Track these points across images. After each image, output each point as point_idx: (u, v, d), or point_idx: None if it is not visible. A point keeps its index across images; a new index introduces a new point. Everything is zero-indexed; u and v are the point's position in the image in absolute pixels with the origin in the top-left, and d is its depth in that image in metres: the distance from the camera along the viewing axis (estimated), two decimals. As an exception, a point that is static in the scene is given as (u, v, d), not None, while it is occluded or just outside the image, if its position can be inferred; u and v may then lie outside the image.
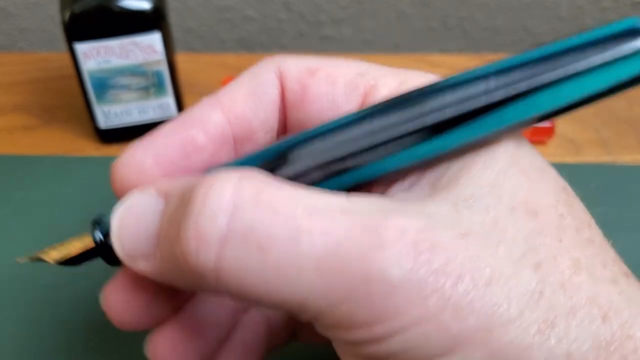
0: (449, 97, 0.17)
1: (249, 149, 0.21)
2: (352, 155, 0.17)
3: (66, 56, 0.38)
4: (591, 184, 0.39)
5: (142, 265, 0.18)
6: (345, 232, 0.15)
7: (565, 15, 0.56)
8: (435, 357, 0.15)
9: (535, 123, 0.17)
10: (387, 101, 0.17)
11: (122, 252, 0.18)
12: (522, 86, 0.16)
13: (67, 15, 0.35)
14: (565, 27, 0.57)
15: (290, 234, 0.15)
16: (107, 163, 0.40)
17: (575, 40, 0.16)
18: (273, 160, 0.18)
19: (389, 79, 0.20)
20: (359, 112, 0.18)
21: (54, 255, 0.20)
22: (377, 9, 0.56)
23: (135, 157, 0.20)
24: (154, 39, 0.37)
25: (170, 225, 0.17)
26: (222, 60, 0.49)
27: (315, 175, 0.18)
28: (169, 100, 0.40)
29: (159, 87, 0.39)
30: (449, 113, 0.17)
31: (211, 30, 0.58)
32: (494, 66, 0.17)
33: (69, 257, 0.20)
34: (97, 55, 0.37)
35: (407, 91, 0.17)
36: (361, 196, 0.16)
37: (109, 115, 0.40)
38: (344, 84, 0.20)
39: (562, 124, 0.41)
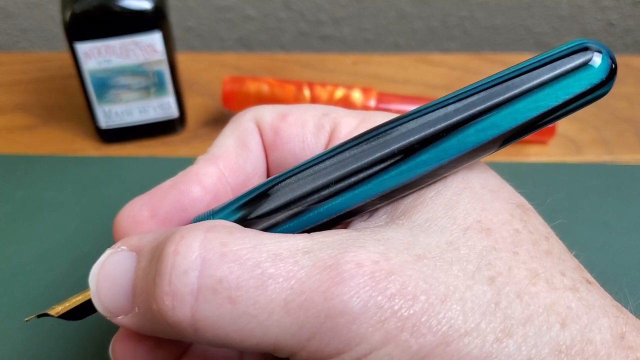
0: (412, 124, 0.18)
1: None
2: (318, 190, 0.19)
3: (67, 56, 0.38)
4: (592, 184, 0.39)
5: (124, 321, 0.19)
6: (307, 273, 0.16)
7: (565, 14, 0.56)
8: None
9: (496, 148, 0.18)
10: (353, 138, 0.19)
11: (102, 310, 0.19)
12: (478, 108, 0.17)
13: (68, 15, 0.36)
14: (565, 25, 0.57)
15: (256, 283, 0.16)
16: (107, 163, 0.40)
17: (529, 62, 0.17)
18: (244, 205, 0.20)
19: (351, 119, 0.22)
20: (327, 151, 0.19)
21: (58, 309, 0.21)
22: (377, 8, 0.56)
23: (132, 211, 0.21)
24: (155, 39, 0.37)
25: (144, 280, 0.18)
26: (222, 60, 0.49)
27: (283, 216, 0.19)
28: (170, 99, 0.40)
29: (159, 86, 0.39)
30: (411, 138, 0.18)
31: (211, 29, 0.58)
32: (452, 94, 0.18)
33: (69, 309, 0.21)
34: (97, 54, 0.37)
35: (371, 128, 0.19)
36: (322, 233, 0.18)
37: (109, 114, 0.40)
38: (312, 124, 0.22)
39: (562, 123, 0.41)
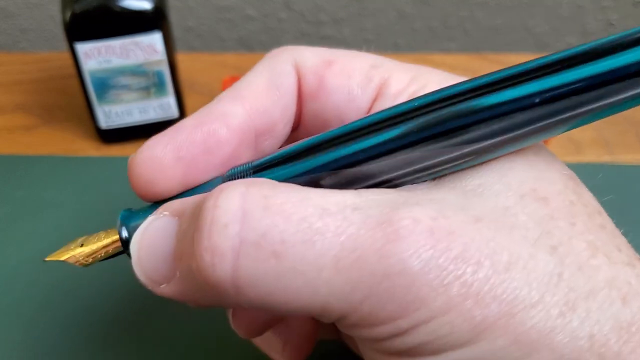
0: (494, 126, 0.16)
1: (270, 142, 0.21)
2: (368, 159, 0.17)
3: (67, 56, 0.38)
4: (592, 184, 0.39)
5: (166, 289, 0.18)
6: (359, 229, 0.15)
7: (565, 15, 0.56)
8: (461, 345, 0.15)
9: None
10: (420, 125, 0.16)
11: (144, 279, 0.18)
12: (565, 115, 0.16)
13: (68, 15, 0.35)
14: (565, 26, 0.57)
15: (303, 237, 0.15)
16: (108, 163, 0.40)
17: (618, 62, 0.15)
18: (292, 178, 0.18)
19: (401, 74, 0.20)
20: (381, 139, 0.17)
21: (79, 253, 0.20)
22: (377, 9, 0.56)
23: (154, 153, 0.19)
24: (155, 39, 0.37)
25: (184, 241, 0.17)
26: (222, 60, 0.49)
27: (328, 178, 0.18)
28: (170, 100, 0.40)
29: (159, 86, 0.39)
30: (491, 141, 0.16)
31: (211, 29, 0.58)
32: (537, 87, 0.16)
33: (96, 255, 0.20)
34: (97, 55, 0.37)
35: (439, 116, 0.16)
36: (370, 191, 0.16)
37: (109, 115, 0.40)
38: (359, 76, 0.20)
39: (562, 123, 0.41)
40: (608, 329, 0.15)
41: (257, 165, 0.19)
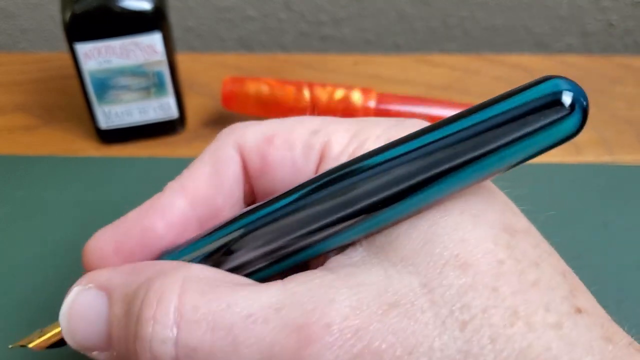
0: (375, 181, 0.17)
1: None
2: (290, 243, 0.18)
3: (67, 56, 0.38)
4: (591, 184, 0.39)
5: (100, 356, 0.20)
6: (277, 335, 0.16)
7: (565, 15, 0.56)
8: None
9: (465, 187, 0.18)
10: (320, 184, 0.18)
11: (76, 347, 0.20)
12: (442, 167, 0.17)
13: (68, 15, 0.36)
14: (565, 26, 0.57)
15: (229, 348, 0.17)
16: (107, 164, 0.40)
17: (496, 109, 0.16)
18: (216, 252, 0.20)
19: (342, 134, 0.20)
20: (293, 196, 0.19)
21: (36, 342, 0.22)
22: (377, 9, 0.56)
23: (98, 245, 0.21)
24: (155, 39, 0.37)
25: (123, 331, 0.18)
26: (222, 60, 0.49)
27: (258, 263, 0.19)
28: (170, 100, 0.40)
29: (159, 87, 0.39)
30: (374, 199, 0.17)
31: (211, 29, 0.58)
32: (415, 142, 0.17)
33: (50, 343, 0.22)
34: (97, 55, 0.37)
35: (335, 172, 0.18)
36: (296, 279, 0.18)
37: (109, 115, 0.40)
38: (300, 146, 0.21)
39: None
40: None
41: (185, 253, 0.20)
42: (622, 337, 0.17)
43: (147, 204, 0.21)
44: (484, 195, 0.19)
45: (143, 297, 0.18)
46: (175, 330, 0.17)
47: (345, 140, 0.20)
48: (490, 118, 0.16)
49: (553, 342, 0.16)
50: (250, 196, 0.22)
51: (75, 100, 0.44)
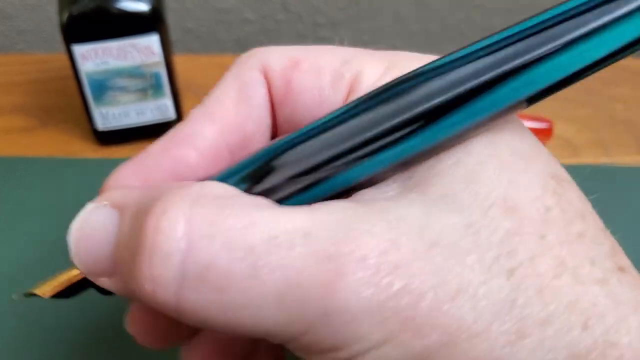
0: (437, 82, 0.16)
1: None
2: (329, 161, 0.16)
3: (64, 57, 0.38)
4: (589, 185, 0.39)
5: (107, 283, 0.17)
6: (303, 263, 0.14)
7: (562, 17, 0.56)
8: None
9: (526, 105, 0.16)
10: (370, 95, 0.16)
11: (82, 269, 0.17)
12: (515, 62, 0.15)
13: (65, 16, 0.35)
14: (563, 28, 0.57)
15: (248, 271, 0.14)
16: (105, 165, 0.40)
17: (571, 3, 0.15)
18: (247, 178, 0.17)
19: (375, 65, 0.19)
20: (340, 111, 0.17)
21: (46, 289, 0.20)
22: (374, 11, 0.56)
23: (123, 181, 0.19)
24: (152, 41, 0.37)
25: (125, 250, 0.16)
26: (220, 61, 0.49)
27: (289, 191, 0.17)
28: (167, 101, 0.40)
29: (157, 88, 0.39)
30: (437, 100, 0.15)
31: (209, 31, 0.58)
32: (483, 43, 0.16)
33: (60, 289, 0.20)
34: (95, 56, 0.37)
35: (391, 82, 0.16)
36: (325, 207, 0.16)
37: (106, 116, 0.40)
38: (329, 74, 0.19)
39: (560, 125, 0.41)
40: (562, 357, 0.14)
41: (218, 176, 0.18)
42: None
43: (172, 133, 0.19)
44: (530, 141, 0.17)
45: (149, 209, 0.15)
46: (183, 244, 0.14)
47: (378, 72, 0.19)
48: (562, 11, 0.15)
49: (599, 298, 0.15)
50: (275, 125, 0.20)
51: (72, 102, 0.44)
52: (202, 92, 0.46)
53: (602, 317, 0.15)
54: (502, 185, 0.16)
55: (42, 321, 0.31)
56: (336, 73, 0.19)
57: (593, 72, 0.15)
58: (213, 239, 0.15)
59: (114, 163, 0.42)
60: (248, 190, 0.17)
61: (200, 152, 0.19)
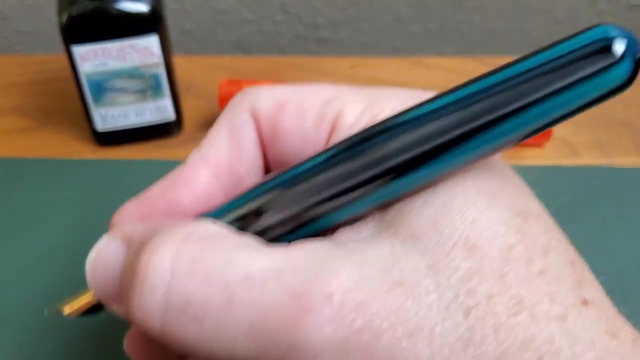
0: (406, 137, 0.16)
1: None
2: (313, 207, 0.18)
3: (63, 58, 0.38)
4: (588, 187, 0.40)
5: (117, 309, 0.19)
6: (274, 299, 0.16)
7: (561, 18, 0.56)
8: None
9: (493, 154, 0.17)
10: (344, 146, 0.18)
11: (98, 296, 0.19)
12: (483, 120, 0.16)
13: (65, 17, 0.35)
14: (561, 29, 0.57)
15: (223, 304, 0.16)
16: (104, 166, 0.40)
17: (539, 58, 0.16)
18: (238, 220, 0.19)
19: (355, 105, 0.20)
20: (320, 159, 0.18)
21: (73, 309, 0.22)
22: (374, 12, 0.56)
23: (126, 218, 0.21)
24: (151, 42, 0.37)
25: (125, 281, 0.18)
26: (219, 63, 0.49)
27: (276, 233, 0.19)
28: (167, 102, 0.40)
29: (156, 89, 0.39)
30: (405, 157, 0.17)
31: (208, 32, 0.58)
32: (450, 97, 0.16)
33: (85, 309, 0.22)
34: (94, 57, 0.37)
35: (366, 132, 0.17)
36: (301, 247, 0.17)
37: (106, 117, 0.40)
38: (312, 115, 0.20)
39: (559, 126, 0.41)
40: None
41: (208, 215, 0.20)
42: (627, 332, 0.16)
43: (171, 176, 0.21)
44: (499, 176, 0.18)
45: (145, 243, 0.17)
46: (168, 276, 0.16)
47: (358, 111, 0.19)
48: (530, 69, 0.15)
49: (556, 335, 0.15)
50: (267, 164, 0.22)
51: (71, 103, 0.44)
52: (201, 93, 0.46)
53: (556, 354, 0.15)
54: (465, 225, 0.16)
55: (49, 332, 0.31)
56: (319, 113, 0.20)
57: (555, 124, 0.16)
58: (194, 274, 0.16)
59: (114, 164, 0.42)
60: (241, 229, 0.19)
61: (194, 195, 0.21)
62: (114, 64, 0.37)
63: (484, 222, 0.17)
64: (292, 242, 0.17)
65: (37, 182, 0.39)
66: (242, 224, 0.19)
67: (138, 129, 0.41)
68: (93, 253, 0.19)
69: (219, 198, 0.21)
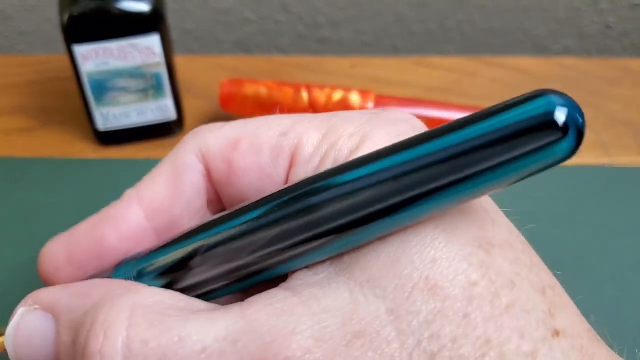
0: (342, 204, 0.16)
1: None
2: (252, 263, 0.17)
3: (65, 58, 0.38)
4: (589, 186, 0.39)
5: None
6: None
7: (563, 17, 0.56)
8: None
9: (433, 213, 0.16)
10: (285, 200, 0.17)
11: None
12: (418, 191, 0.15)
13: (66, 17, 0.36)
14: (562, 29, 0.57)
15: None
16: (105, 165, 0.40)
17: (479, 129, 0.14)
18: (173, 268, 0.18)
19: (312, 134, 0.19)
20: (256, 212, 0.17)
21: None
22: (375, 11, 0.56)
23: (51, 254, 0.21)
24: (153, 41, 0.37)
25: (67, 354, 0.17)
26: (220, 62, 0.49)
27: (217, 281, 0.18)
28: (168, 102, 0.40)
29: (157, 89, 0.39)
30: (341, 222, 0.16)
31: (209, 32, 0.58)
32: (387, 163, 0.15)
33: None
34: (95, 57, 0.37)
35: (299, 188, 0.17)
36: (256, 304, 0.16)
37: (107, 117, 0.40)
38: (268, 150, 0.19)
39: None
40: None
41: (140, 272, 0.19)
42: (601, 358, 0.16)
43: (102, 212, 0.21)
44: (457, 208, 0.17)
45: (89, 328, 0.17)
46: None
47: (316, 141, 0.19)
48: (473, 138, 0.14)
49: None
50: (218, 204, 0.21)
51: (73, 102, 0.44)
52: (202, 92, 0.46)
53: None
54: (425, 265, 0.16)
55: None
56: (275, 147, 0.19)
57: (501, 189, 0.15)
58: (147, 359, 0.16)
59: (115, 163, 0.42)
60: (169, 285, 0.18)
61: (121, 235, 0.20)
62: (115, 64, 0.37)
63: (444, 260, 0.16)
64: (247, 298, 0.17)
65: (38, 182, 0.39)
66: (172, 277, 0.18)
67: (139, 128, 0.41)
68: (12, 328, 0.19)
69: (150, 239, 0.20)
